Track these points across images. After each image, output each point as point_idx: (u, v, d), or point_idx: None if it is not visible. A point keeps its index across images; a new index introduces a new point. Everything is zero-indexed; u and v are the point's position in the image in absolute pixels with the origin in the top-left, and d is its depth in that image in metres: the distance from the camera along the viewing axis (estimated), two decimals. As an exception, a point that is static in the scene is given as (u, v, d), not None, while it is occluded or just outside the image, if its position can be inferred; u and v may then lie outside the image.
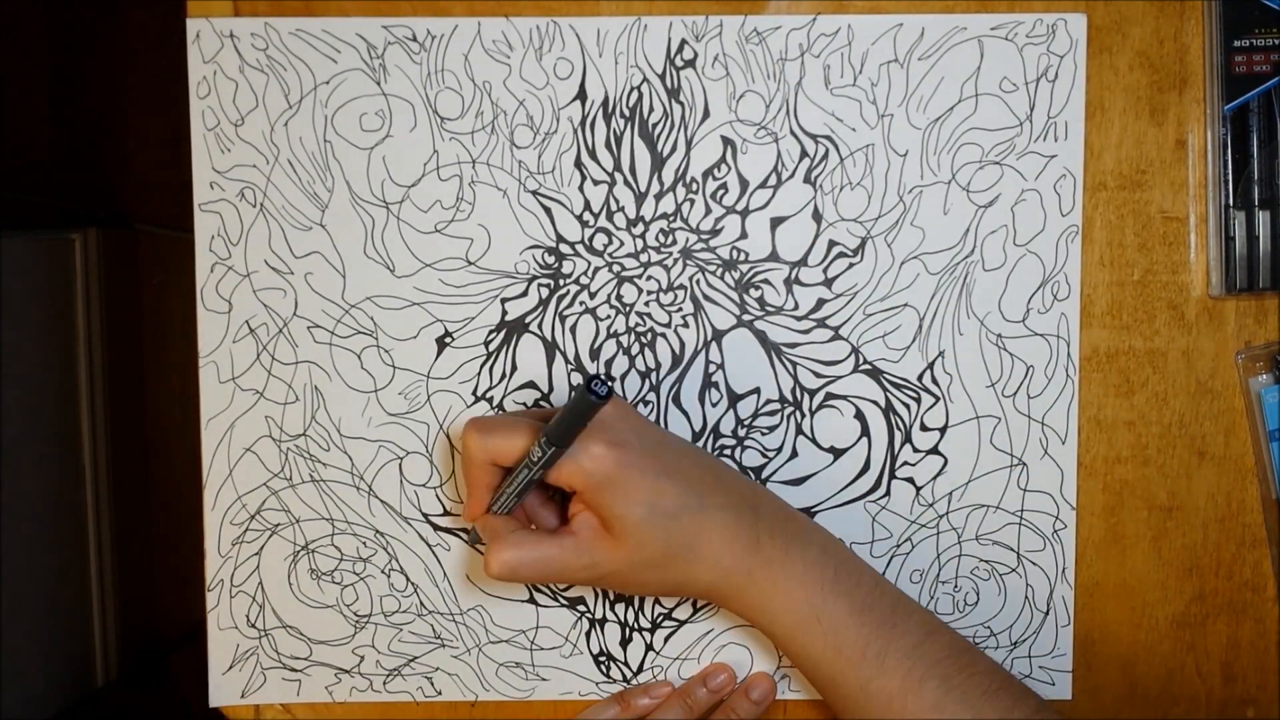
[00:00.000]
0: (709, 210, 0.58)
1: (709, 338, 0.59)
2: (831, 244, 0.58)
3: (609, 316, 0.59)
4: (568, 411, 0.49)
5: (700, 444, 0.59)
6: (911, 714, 0.51)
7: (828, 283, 0.58)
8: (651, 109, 0.57)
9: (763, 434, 0.59)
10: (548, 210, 0.58)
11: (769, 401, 0.59)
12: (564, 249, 0.58)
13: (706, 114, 0.57)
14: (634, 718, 0.59)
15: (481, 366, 0.59)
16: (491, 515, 0.54)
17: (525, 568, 0.51)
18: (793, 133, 0.57)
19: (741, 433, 0.59)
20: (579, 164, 0.58)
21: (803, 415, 0.59)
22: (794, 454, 0.59)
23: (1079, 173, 0.57)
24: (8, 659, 1.07)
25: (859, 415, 0.59)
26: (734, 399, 0.59)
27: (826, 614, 0.51)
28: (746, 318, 0.59)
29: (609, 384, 0.49)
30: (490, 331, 0.59)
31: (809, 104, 0.57)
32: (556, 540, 0.52)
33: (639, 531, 0.50)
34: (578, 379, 0.58)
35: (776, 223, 0.58)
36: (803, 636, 0.52)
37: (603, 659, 0.60)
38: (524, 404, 0.59)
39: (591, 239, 0.58)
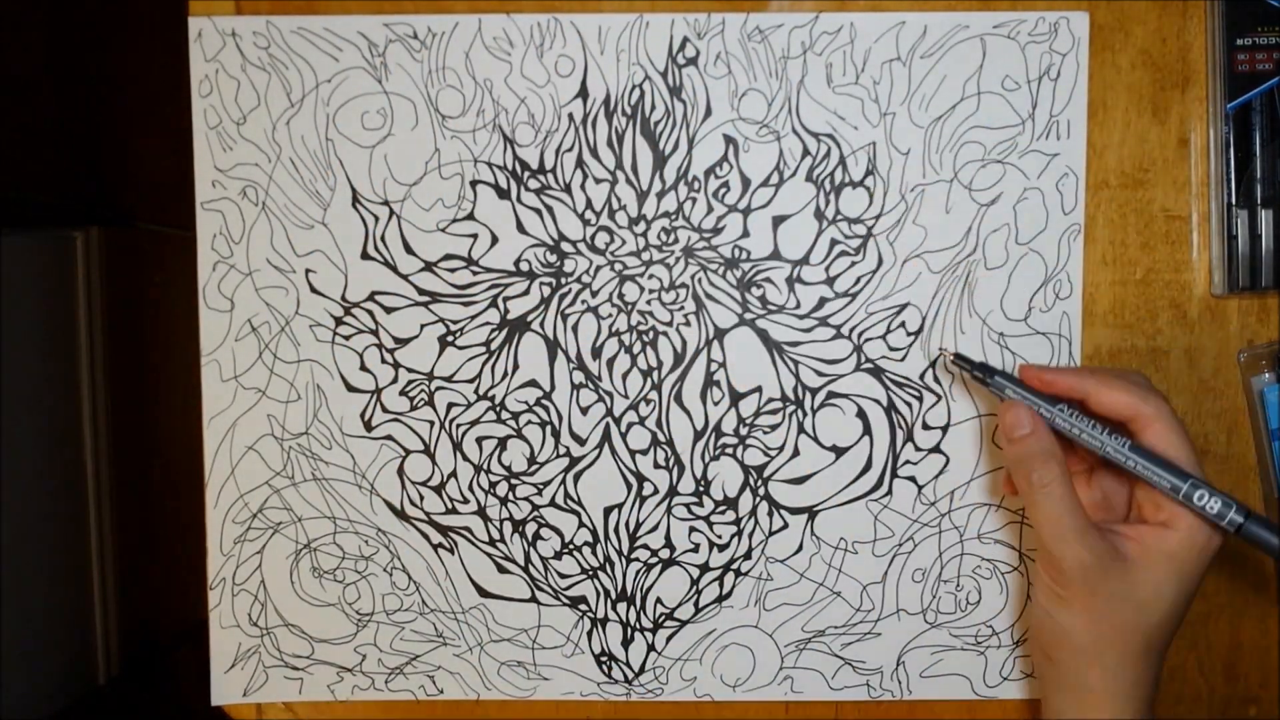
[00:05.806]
0: (711, 209, 0.58)
1: (711, 336, 0.59)
2: (833, 242, 0.58)
3: (611, 315, 0.59)
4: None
5: (702, 443, 0.59)
6: None
7: (830, 281, 0.58)
8: (653, 107, 0.57)
9: (764, 433, 0.59)
10: (549, 208, 0.58)
11: (771, 400, 0.59)
12: (566, 247, 0.58)
13: (708, 112, 0.57)
14: None
15: (483, 365, 0.59)
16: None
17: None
18: (795, 131, 0.57)
19: (743, 431, 0.59)
20: (581, 162, 0.58)
21: (805, 414, 0.59)
22: (796, 453, 0.59)
23: (1081, 171, 0.57)
24: (10, 656, 1.07)
25: (861, 414, 0.59)
26: (736, 398, 0.59)
27: None
28: (748, 316, 0.58)
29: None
30: (492, 330, 0.59)
31: (811, 102, 0.57)
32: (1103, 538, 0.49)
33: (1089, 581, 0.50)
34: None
35: (778, 221, 0.58)
36: None
37: (604, 659, 0.60)
38: (526, 402, 0.59)
39: (593, 237, 0.58)
